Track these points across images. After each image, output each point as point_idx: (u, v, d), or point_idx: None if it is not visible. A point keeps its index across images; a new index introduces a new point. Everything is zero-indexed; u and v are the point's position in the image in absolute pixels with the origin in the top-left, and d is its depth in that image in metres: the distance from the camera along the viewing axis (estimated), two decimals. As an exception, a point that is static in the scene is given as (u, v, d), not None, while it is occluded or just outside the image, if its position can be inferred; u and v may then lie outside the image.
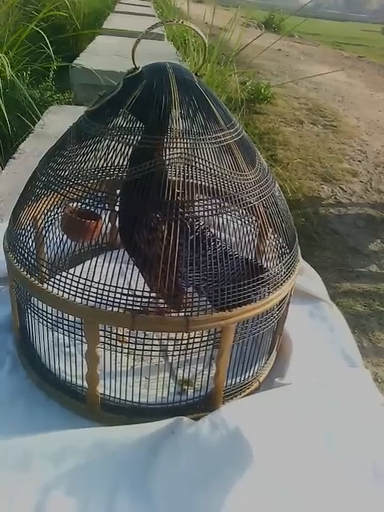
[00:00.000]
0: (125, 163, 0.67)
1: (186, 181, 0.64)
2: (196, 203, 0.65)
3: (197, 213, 0.65)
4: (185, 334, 0.65)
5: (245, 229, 0.70)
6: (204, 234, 0.71)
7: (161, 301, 0.68)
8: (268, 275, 0.69)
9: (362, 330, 1.71)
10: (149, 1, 6.00)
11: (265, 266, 0.71)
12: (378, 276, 2.01)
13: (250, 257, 0.70)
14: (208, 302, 0.65)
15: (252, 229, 0.74)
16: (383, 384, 1.51)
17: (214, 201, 0.65)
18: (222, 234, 0.72)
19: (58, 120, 1.88)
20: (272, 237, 0.74)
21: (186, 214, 0.64)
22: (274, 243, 0.74)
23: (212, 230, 0.73)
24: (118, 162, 0.67)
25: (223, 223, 0.67)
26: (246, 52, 3.13)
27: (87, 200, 0.66)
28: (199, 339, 0.66)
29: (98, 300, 0.63)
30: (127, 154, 0.66)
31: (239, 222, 0.72)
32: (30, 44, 2.33)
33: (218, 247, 0.72)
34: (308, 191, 2.55)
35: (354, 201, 2.53)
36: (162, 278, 0.64)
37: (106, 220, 0.81)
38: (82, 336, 0.65)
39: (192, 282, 0.69)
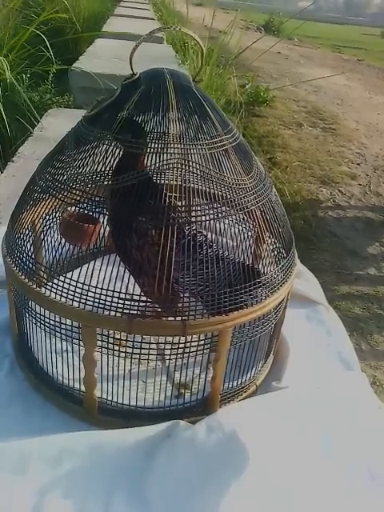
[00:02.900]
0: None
1: (182, 185, 0.64)
2: (192, 208, 0.65)
3: (194, 217, 0.66)
4: (182, 338, 0.66)
5: (241, 233, 0.70)
6: (196, 238, 0.71)
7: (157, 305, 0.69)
8: (265, 279, 0.69)
9: (361, 333, 1.71)
10: (148, 4, 6.02)
11: (261, 270, 0.71)
12: (376, 279, 2.01)
13: (246, 261, 0.70)
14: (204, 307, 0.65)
15: (249, 233, 0.74)
16: (381, 387, 1.51)
17: (210, 205, 0.65)
18: (219, 239, 0.72)
19: (57, 123, 1.89)
20: (269, 241, 0.75)
21: (177, 219, 0.65)
22: (270, 247, 0.74)
23: (208, 234, 0.73)
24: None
25: (220, 228, 0.67)
26: (246, 55, 3.13)
27: (85, 204, 0.66)
28: (196, 343, 0.67)
29: (96, 304, 0.63)
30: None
31: (236, 226, 0.72)
32: (29, 47, 2.33)
33: (211, 251, 0.72)
34: (307, 194, 2.56)
35: (353, 204, 2.54)
36: (155, 283, 0.64)
37: (104, 224, 0.82)
38: (79, 340, 0.66)
39: (187, 287, 0.69)
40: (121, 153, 0.67)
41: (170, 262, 0.62)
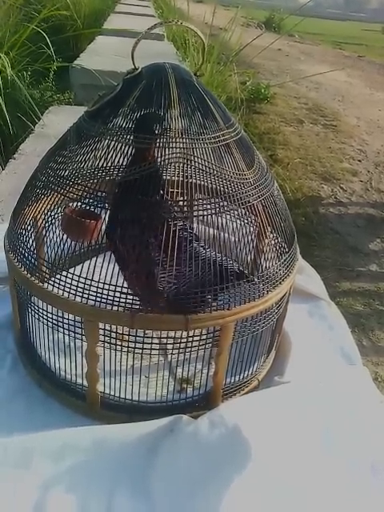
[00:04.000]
0: (124, 163, 0.67)
1: (184, 180, 0.64)
2: (194, 203, 0.65)
3: (196, 212, 0.65)
4: (184, 333, 0.66)
5: (244, 228, 0.70)
6: (181, 234, 0.71)
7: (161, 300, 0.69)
8: (267, 273, 0.69)
9: (362, 329, 1.71)
10: (149, 1, 6.00)
11: (263, 265, 0.71)
12: (377, 275, 2.01)
13: (248, 257, 0.70)
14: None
15: (251, 228, 0.74)
16: (383, 383, 1.51)
17: (212, 200, 0.65)
18: (221, 234, 0.72)
19: (58, 120, 1.89)
20: (271, 236, 0.75)
21: (163, 214, 0.65)
22: (272, 242, 0.74)
23: (210, 229, 0.73)
24: (118, 162, 0.67)
25: (222, 222, 0.67)
26: (246, 52, 3.13)
27: (87, 200, 0.66)
28: (198, 338, 0.67)
29: (98, 299, 0.63)
30: (127, 153, 0.66)
31: (238, 221, 0.72)
32: (30, 44, 2.34)
33: (193, 248, 0.72)
34: (308, 191, 2.56)
35: (354, 200, 2.54)
36: (135, 277, 0.64)
37: (106, 220, 0.82)
38: (82, 335, 0.66)
39: (168, 283, 0.69)
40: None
41: (150, 257, 0.62)
